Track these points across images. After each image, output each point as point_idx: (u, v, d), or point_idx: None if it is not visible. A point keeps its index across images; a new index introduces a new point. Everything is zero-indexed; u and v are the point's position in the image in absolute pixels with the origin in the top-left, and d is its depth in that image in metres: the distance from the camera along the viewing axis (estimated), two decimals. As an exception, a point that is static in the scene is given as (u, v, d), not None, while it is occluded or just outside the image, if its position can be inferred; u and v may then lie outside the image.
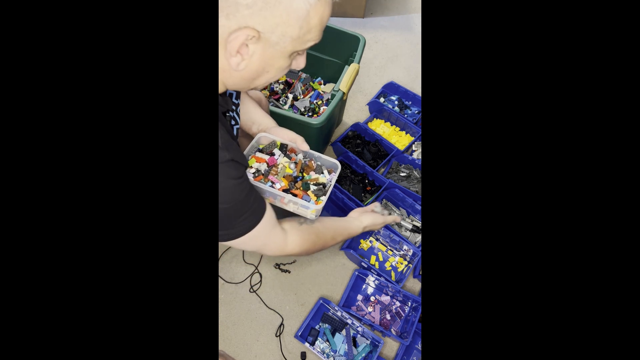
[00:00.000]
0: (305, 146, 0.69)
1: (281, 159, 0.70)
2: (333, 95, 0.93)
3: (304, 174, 0.70)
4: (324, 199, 0.67)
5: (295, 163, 0.70)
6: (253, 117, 0.73)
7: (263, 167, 0.68)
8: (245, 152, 0.68)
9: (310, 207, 0.65)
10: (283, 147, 0.71)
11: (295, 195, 0.66)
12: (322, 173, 0.71)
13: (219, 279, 1.02)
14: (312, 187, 0.68)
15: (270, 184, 0.66)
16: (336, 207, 1.14)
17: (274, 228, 0.61)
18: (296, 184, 0.68)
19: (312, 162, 0.72)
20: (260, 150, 0.70)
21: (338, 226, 0.77)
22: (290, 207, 0.68)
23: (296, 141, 0.70)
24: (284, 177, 0.68)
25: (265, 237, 0.60)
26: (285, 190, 0.66)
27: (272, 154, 0.70)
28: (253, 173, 0.67)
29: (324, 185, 0.69)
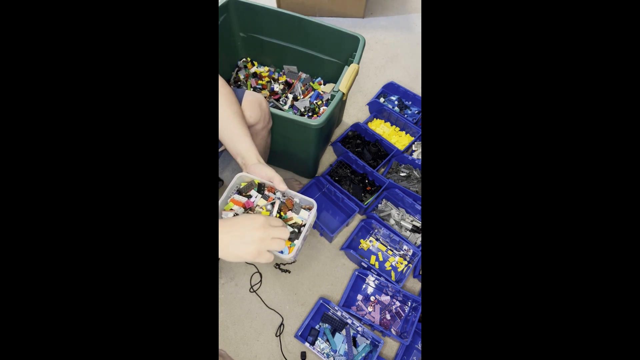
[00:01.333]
0: (282, 186, 0.67)
1: (258, 201, 0.68)
2: (333, 96, 0.93)
3: (282, 214, 0.68)
4: (297, 242, 0.64)
5: (272, 204, 0.68)
6: (238, 147, 0.70)
7: (241, 211, 0.67)
8: (225, 194, 0.67)
9: (284, 256, 0.63)
10: (260, 187, 0.69)
11: None
12: (298, 213, 0.68)
13: (219, 279, 1.02)
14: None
15: None
16: (336, 207, 1.14)
17: None
18: None
19: (290, 200, 0.70)
20: (240, 192, 0.69)
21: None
22: None
23: (273, 180, 0.67)
24: None
25: None
26: None
27: (249, 196, 0.68)
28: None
29: (299, 227, 0.67)
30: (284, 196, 0.70)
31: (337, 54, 1.14)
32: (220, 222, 0.54)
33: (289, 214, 0.68)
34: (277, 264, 1.05)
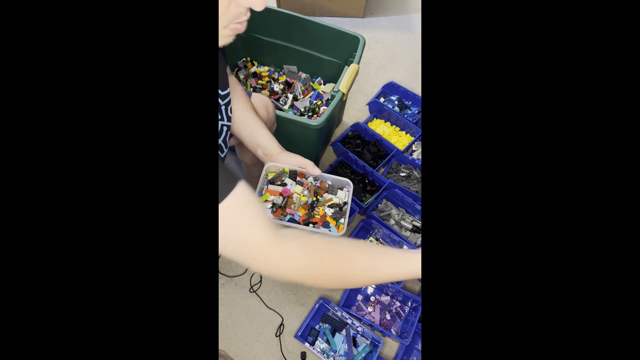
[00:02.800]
0: (316, 170, 0.68)
1: (294, 188, 0.70)
2: (333, 96, 0.93)
3: (318, 197, 0.70)
4: (343, 221, 0.66)
5: (308, 188, 0.70)
6: (257, 139, 0.71)
7: (279, 199, 0.68)
8: (258, 186, 0.68)
9: (335, 234, 0.65)
10: (292, 174, 0.70)
11: (315, 223, 0.66)
12: (335, 193, 0.71)
13: (219, 279, 1.02)
14: (329, 212, 0.67)
15: (289, 217, 0.67)
16: (336, 207, 1.14)
17: (252, 206, 0.42)
18: (313, 210, 0.68)
19: (324, 182, 0.71)
20: (271, 182, 0.70)
21: (379, 254, 0.48)
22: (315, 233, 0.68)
23: (306, 166, 0.68)
24: (301, 206, 0.68)
25: (240, 219, 0.41)
26: (305, 221, 0.66)
27: (284, 184, 0.69)
28: (270, 208, 0.67)
29: (340, 206, 0.69)
30: (316, 180, 0.71)
31: (337, 54, 1.14)
32: None
33: (326, 195, 0.69)
34: (277, 264, 1.05)
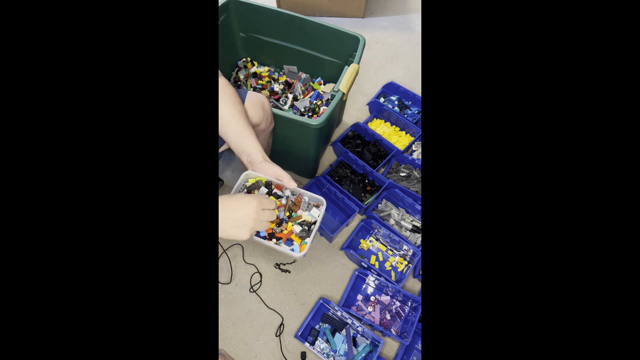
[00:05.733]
0: (292, 184, 0.67)
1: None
2: (333, 96, 0.93)
3: (292, 212, 0.68)
4: (308, 241, 0.65)
5: (283, 203, 0.69)
6: (243, 146, 0.70)
7: None
8: (233, 191, 0.68)
9: (295, 254, 0.63)
10: (268, 185, 0.69)
11: (280, 239, 0.65)
12: (309, 210, 0.69)
13: (219, 279, 1.02)
14: (297, 229, 0.66)
15: None
16: (336, 207, 1.14)
17: None
18: (281, 226, 0.66)
19: (300, 197, 0.70)
20: (249, 190, 0.68)
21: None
22: (277, 249, 0.67)
23: (282, 178, 0.67)
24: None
25: None
26: (271, 234, 0.65)
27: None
28: None
29: (309, 225, 0.68)
30: (293, 194, 0.70)
31: (337, 54, 1.14)
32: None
33: (299, 212, 0.69)
34: (277, 264, 1.05)
